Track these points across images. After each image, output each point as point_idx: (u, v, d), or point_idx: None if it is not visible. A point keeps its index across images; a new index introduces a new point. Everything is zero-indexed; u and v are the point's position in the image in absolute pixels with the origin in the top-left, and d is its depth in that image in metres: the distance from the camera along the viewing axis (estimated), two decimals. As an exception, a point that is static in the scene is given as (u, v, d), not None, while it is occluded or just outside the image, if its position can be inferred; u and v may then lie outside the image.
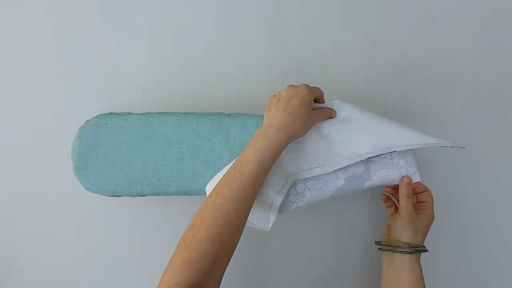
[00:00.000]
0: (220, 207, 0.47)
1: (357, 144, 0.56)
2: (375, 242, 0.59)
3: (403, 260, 0.54)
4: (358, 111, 0.57)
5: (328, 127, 0.57)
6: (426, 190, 0.59)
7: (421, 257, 0.56)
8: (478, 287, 0.71)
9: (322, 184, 0.56)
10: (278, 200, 0.54)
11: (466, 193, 0.71)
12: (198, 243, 0.45)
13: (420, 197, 0.59)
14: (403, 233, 0.55)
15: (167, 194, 0.59)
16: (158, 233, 0.68)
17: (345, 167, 0.56)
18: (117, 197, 0.61)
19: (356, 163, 0.56)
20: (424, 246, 0.56)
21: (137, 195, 0.59)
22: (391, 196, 0.62)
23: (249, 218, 0.52)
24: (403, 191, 0.56)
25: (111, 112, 0.61)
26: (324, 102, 0.59)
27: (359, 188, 0.57)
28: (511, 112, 0.72)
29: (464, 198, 0.71)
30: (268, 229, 0.54)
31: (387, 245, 0.56)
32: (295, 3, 0.70)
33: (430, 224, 0.57)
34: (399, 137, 0.56)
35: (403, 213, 0.56)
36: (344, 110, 0.58)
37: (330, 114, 0.57)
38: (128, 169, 0.57)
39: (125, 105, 0.68)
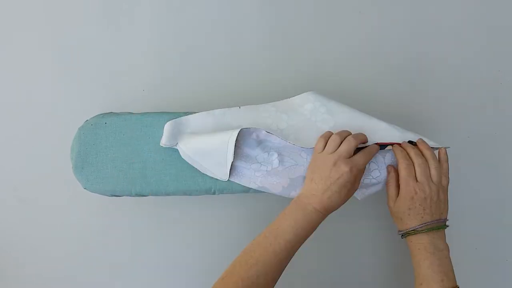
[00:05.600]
0: (251, 269, 0.48)
1: None
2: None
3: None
4: (347, 107, 0.58)
5: (316, 115, 0.57)
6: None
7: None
8: (478, 287, 0.71)
9: (293, 164, 0.56)
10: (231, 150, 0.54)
11: (466, 193, 0.71)
12: None
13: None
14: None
15: (166, 194, 0.59)
16: (157, 233, 0.68)
17: None
18: (117, 197, 0.60)
19: None
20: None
21: (136, 195, 0.58)
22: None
23: (210, 168, 0.56)
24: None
25: (111, 112, 0.61)
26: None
27: None
28: (511, 112, 0.72)
29: (464, 198, 0.71)
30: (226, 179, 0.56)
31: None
32: (295, 4, 0.70)
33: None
34: (384, 133, 0.56)
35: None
36: (332, 101, 0.59)
37: (370, 156, 0.54)
38: (127, 169, 0.57)
39: (125, 105, 0.67)
